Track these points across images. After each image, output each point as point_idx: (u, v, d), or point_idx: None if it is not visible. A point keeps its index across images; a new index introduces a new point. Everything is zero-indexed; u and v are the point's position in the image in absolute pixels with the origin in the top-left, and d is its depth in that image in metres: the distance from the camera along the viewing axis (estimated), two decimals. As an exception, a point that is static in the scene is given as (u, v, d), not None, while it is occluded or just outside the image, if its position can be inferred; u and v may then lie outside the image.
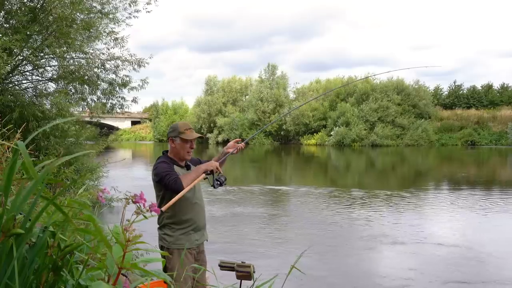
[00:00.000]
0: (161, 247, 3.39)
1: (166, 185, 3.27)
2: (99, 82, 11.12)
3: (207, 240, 3.64)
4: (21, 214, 1.01)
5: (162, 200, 3.36)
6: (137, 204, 1.07)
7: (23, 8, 9.39)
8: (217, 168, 3.44)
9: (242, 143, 3.79)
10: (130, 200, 1.09)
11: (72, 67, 10.23)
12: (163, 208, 3.14)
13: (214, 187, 3.45)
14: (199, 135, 3.62)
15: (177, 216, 3.37)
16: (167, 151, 3.55)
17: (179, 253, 3.32)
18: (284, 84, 55.45)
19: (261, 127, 52.45)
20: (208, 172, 3.42)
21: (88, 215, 1.04)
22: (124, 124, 73.75)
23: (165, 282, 2.96)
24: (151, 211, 1.07)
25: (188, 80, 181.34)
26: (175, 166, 3.42)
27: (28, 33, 8.94)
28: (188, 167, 3.54)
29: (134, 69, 11.28)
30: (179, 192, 3.20)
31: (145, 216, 1.07)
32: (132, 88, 11.51)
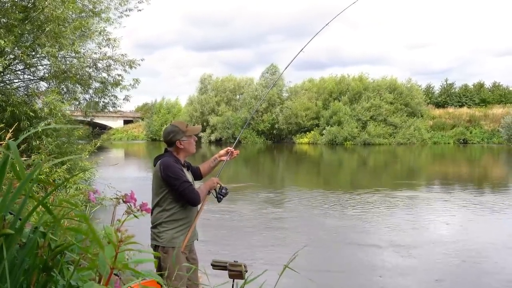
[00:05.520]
0: (155, 247, 3.35)
1: (183, 193, 3.32)
2: (91, 81, 11.07)
3: (197, 239, 3.65)
4: (11, 214, 1.01)
5: (162, 199, 3.36)
6: (128, 203, 1.07)
7: (14, 7, 9.31)
8: (217, 183, 3.63)
9: (236, 150, 3.91)
10: (120, 200, 1.09)
11: (63, 66, 10.17)
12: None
13: (219, 201, 3.66)
14: (200, 126, 3.98)
15: (178, 214, 3.37)
16: (166, 149, 3.54)
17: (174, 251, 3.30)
18: (280, 83, 55.37)
19: (253, 126, 52.47)
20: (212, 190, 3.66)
21: (82, 215, 1.04)
22: (116, 123, 73.33)
23: (157, 282, 2.97)
24: (141, 210, 1.07)
25: (184, 79, 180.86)
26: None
27: (20, 32, 8.87)
28: (188, 168, 3.61)
29: (125, 70, 11.24)
30: (194, 205, 3.43)
31: (135, 216, 1.07)
32: (123, 87, 11.47)
